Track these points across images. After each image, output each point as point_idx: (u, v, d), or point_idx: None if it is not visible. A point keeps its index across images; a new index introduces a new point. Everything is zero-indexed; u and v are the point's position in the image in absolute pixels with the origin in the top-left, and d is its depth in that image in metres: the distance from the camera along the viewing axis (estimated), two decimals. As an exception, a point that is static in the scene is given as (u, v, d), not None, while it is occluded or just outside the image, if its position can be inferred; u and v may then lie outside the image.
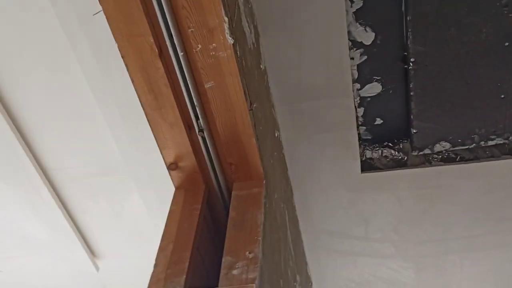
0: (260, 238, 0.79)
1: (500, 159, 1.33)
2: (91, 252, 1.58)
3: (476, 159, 1.36)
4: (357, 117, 1.36)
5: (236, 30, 0.78)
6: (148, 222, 1.42)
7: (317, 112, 1.27)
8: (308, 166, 1.40)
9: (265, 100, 1.10)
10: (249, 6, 1.00)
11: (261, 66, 1.09)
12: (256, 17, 1.07)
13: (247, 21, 0.92)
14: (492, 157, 1.35)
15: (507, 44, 1.12)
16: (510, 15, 1.07)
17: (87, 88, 1.14)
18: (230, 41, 0.73)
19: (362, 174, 1.40)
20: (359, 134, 1.40)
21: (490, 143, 1.32)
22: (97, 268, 1.61)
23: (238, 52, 0.78)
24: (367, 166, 1.41)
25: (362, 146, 1.43)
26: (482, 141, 1.32)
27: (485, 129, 1.29)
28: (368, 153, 1.44)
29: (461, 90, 1.21)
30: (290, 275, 1.14)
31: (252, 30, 0.99)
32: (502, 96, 1.21)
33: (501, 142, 1.32)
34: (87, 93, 1.15)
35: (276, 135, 1.22)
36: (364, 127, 1.39)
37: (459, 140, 1.32)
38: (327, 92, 1.23)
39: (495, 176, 1.36)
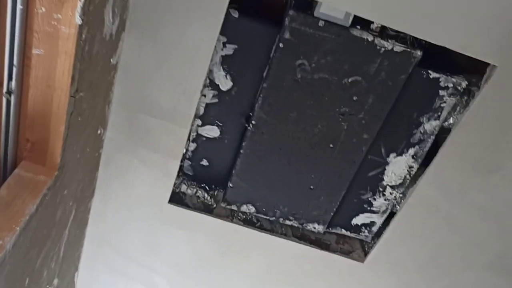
0: (18, 228, 0.72)
1: (289, 239, 1.44)
2: None
3: (271, 231, 1.45)
4: (186, 150, 1.37)
5: (92, 14, 0.74)
6: None
7: (152, 129, 1.25)
8: (121, 175, 1.35)
9: (101, 94, 1.05)
10: (125, -1, 0.96)
11: (112, 60, 1.04)
12: (128, 12, 1.03)
13: (113, 11, 0.88)
14: (284, 235, 1.46)
15: (331, 145, 1.24)
16: (343, 123, 1.20)
17: None
18: (78, 21, 0.69)
19: (169, 204, 1.40)
20: (182, 166, 1.41)
21: (288, 222, 1.43)
22: None
23: (83, 35, 0.73)
24: (177, 198, 1.42)
25: (180, 178, 1.44)
26: (281, 218, 1.42)
27: (288, 209, 1.39)
28: (184, 187, 1.45)
29: (282, 167, 1.30)
30: (45, 276, 1.06)
31: (116, 22, 0.94)
32: (311, 187, 1.33)
33: (296, 225, 1.43)
34: None
35: (99, 132, 1.16)
36: (190, 162, 1.41)
37: (264, 209, 1.40)
38: (169, 115, 1.22)
39: (279, 253, 1.47)
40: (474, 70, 1.13)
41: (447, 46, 1.01)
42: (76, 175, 1.04)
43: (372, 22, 1.06)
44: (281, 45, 1.09)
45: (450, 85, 1.14)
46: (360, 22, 1.06)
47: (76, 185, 1.09)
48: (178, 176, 1.39)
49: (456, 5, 0.96)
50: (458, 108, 1.17)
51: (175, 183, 1.37)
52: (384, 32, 1.08)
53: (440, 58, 1.12)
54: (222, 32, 1.09)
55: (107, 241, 1.51)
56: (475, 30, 0.99)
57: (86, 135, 1.00)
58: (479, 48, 1.01)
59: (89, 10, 0.71)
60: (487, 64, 1.05)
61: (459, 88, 1.14)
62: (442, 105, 1.17)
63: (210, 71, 1.20)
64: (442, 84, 1.14)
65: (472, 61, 1.04)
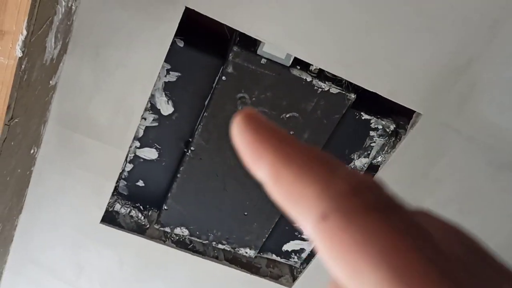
0: None
1: (220, 263, 1.46)
2: None
3: (203, 253, 1.47)
4: (123, 170, 1.36)
5: (33, 44, 0.73)
6: None
7: (87, 149, 1.23)
8: (52, 193, 1.31)
9: (37, 115, 1.02)
10: (69, 23, 0.95)
11: (51, 82, 1.02)
12: (71, 34, 1.02)
13: (56, 37, 0.87)
14: (216, 258, 1.48)
15: (267, 175, 1.28)
16: (279, 155, 1.24)
17: None
18: (19, 53, 0.68)
19: (100, 224, 1.38)
20: (117, 186, 1.39)
21: (220, 246, 1.45)
22: None
23: (23, 66, 0.72)
24: (109, 218, 1.40)
25: (115, 197, 1.42)
26: (214, 241, 1.44)
27: (221, 233, 1.42)
28: (118, 206, 1.43)
29: (217, 193, 1.32)
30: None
31: (59, 46, 0.93)
32: (246, 213, 1.36)
33: (228, 249, 1.46)
34: None
35: (32, 151, 1.13)
36: (125, 182, 1.40)
37: (197, 233, 1.42)
38: (106, 136, 1.21)
39: (210, 276, 1.49)
40: (403, 113, 1.22)
41: (377, 92, 1.09)
42: (4, 196, 1.00)
43: (311, 64, 1.11)
44: (223, 77, 1.12)
45: (380, 127, 1.21)
46: (300, 63, 1.11)
47: (4, 206, 1.05)
48: (112, 195, 1.38)
49: (386, 56, 1.03)
50: (386, 148, 1.25)
51: (109, 202, 1.36)
52: (322, 74, 1.14)
53: (372, 101, 1.19)
54: (166, 60, 1.11)
55: (32, 258, 1.46)
56: (403, 80, 1.07)
57: (18, 157, 0.97)
58: (405, 96, 1.09)
59: (31, 41, 0.70)
60: (413, 110, 1.14)
61: (387, 130, 1.22)
62: (372, 144, 1.25)
63: (152, 96, 1.21)
64: (372, 125, 1.21)
65: (401, 106, 1.12)
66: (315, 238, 0.16)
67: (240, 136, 0.19)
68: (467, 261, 0.16)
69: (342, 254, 0.15)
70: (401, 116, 1.24)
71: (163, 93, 1.21)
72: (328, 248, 0.16)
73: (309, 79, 1.12)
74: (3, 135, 0.77)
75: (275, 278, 1.51)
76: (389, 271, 0.14)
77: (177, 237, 1.46)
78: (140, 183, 1.39)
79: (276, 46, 1.05)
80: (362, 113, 1.20)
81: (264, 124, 0.18)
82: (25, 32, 0.66)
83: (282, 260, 1.51)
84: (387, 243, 0.15)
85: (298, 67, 1.12)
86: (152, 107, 1.23)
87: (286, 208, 0.18)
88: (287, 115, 1.18)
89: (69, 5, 0.85)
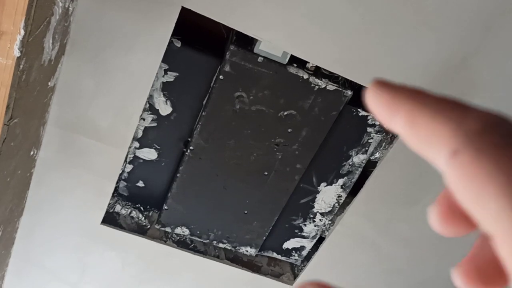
0: None
1: (221, 262, 1.47)
2: None
3: (204, 253, 1.48)
4: (123, 171, 1.36)
5: (31, 44, 0.74)
6: None
7: (87, 150, 1.24)
8: (52, 194, 1.32)
9: (36, 116, 1.03)
10: (66, 24, 0.96)
11: (50, 83, 1.03)
12: (69, 36, 1.03)
13: (54, 38, 0.88)
14: (217, 257, 1.48)
15: (266, 173, 1.29)
16: (277, 153, 1.25)
17: None
18: (17, 53, 0.69)
19: (101, 225, 1.38)
20: (117, 186, 1.40)
21: (221, 245, 1.46)
22: None
23: (21, 66, 0.73)
24: (110, 219, 1.40)
25: (115, 198, 1.43)
26: (215, 240, 1.44)
27: (222, 232, 1.42)
28: (118, 207, 1.44)
29: (217, 192, 1.33)
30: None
31: (56, 47, 0.94)
32: (246, 212, 1.37)
33: (229, 248, 1.47)
34: None
35: (32, 153, 1.14)
36: (125, 183, 1.40)
37: (198, 232, 1.42)
38: (105, 137, 1.22)
39: (211, 275, 1.49)
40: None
41: (375, 89, 1.09)
42: (5, 198, 1.01)
43: (308, 62, 1.12)
44: (221, 77, 1.13)
45: (377, 123, 1.22)
46: (297, 61, 1.12)
47: (5, 207, 1.06)
48: (112, 196, 1.38)
49: (382, 53, 1.04)
50: (383, 144, 1.26)
51: (109, 203, 1.36)
52: (318, 71, 1.14)
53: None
54: (164, 60, 1.11)
55: (34, 260, 1.47)
56: (400, 77, 1.08)
57: (18, 158, 0.98)
58: (403, 93, 1.10)
59: (28, 41, 0.71)
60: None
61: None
62: (369, 140, 1.25)
63: (150, 96, 1.21)
64: (370, 121, 1.22)
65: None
66: (447, 172, 0.18)
67: (375, 98, 0.20)
68: None
69: (470, 183, 0.17)
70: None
71: (161, 93, 1.21)
72: (458, 179, 0.17)
73: (305, 76, 1.13)
74: (2, 135, 0.78)
75: (276, 276, 1.51)
76: (510, 200, 0.16)
77: (178, 237, 1.47)
78: (140, 184, 1.40)
79: (273, 44, 1.06)
80: (359, 109, 1.21)
81: (395, 84, 0.20)
82: (22, 32, 0.67)
83: (283, 258, 1.51)
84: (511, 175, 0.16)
85: (295, 65, 1.13)
86: (151, 108, 1.24)
87: (421, 150, 0.19)
88: (285, 113, 1.19)
89: (66, 6, 0.86)
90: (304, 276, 1.48)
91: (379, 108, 0.20)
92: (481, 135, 0.17)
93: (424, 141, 0.19)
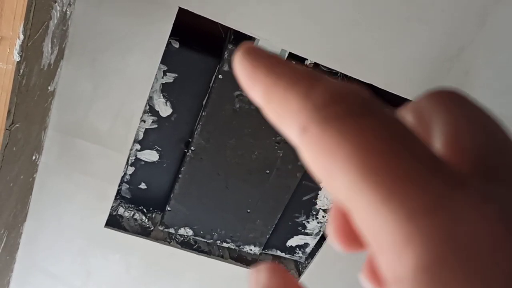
0: None
1: (225, 261, 1.47)
2: None
3: (209, 253, 1.48)
4: (125, 173, 1.37)
5: (30, 49, 0.74)
6: None
7: (88, 154, 1.24)
8: (55, 199, 1.32)
9: (37, 121, 1.03)
10: (64, 28, 0.96)
11: (50, 88, 1.03)
12: (67, 40, 1.03)
13: (52, 42, 0.88)
14: (221, 257, 1.49)
15: (267, 171, 1.29)
16: (278, 151, 1.25)
17: None
18: (17, 58, 0.69)
19: (105, 228, 1.39)
20: (120, 189, 1.40)
21: (225, 244, 1.46)
22: None
23: (21, 70, 0.73)
24: (113, 222, 1.41)
25: (118, 200, 1.43)
26: (219, 240, 1.45)
27: (225, 232, 1.43)
28: (121, 210, 1.45)
29: (219, 192, 1.33)
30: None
31: (55, 52, 0.94)
32: (248, 210, 1.37)
33: (233, 247, 1.47)
34: None
35: (34, 158, 1.14)
36: (128, 185, 1.41)
37: (201, 232, 1.43)
38: (106, 140, 1.22)
39: (216, 275, 1.49)
40: (398, 104, 1.23)
41: (373, 84, 1.10)
42: (8, 203, 1.02)
43: (306, 59, 1.12)
44: (220, 76, 1.13)
45: (377, 118, 1.22)
46: (295, 58, 1.12)
47: (9, 212, 1.06)
48: (115, 199, 1.39)
49: (378, 47, 1.05)
50: (384, 139, 1.26)
51: (112, 206, 1.37)
52: (317, 68, 1.15)
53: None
54: (162, 61, 1.12)
55: (38, 265, 1.47)
56: (397, 71, 1.08)
57: (20, 163, 0.99)
58: (400, 87, 1.10)
59: (28, 46, 0.72)
60: (409, 100, 1.15)
61: (384, 121, 1.23)
62: (369, 136, 1.26)
63: (150, 98, 1.22)
64: (369, 117, 1.22)
65: (396, 96, 1.13)
66: (300, 151, 0.17)
67: (239, 65, 0.19)
68: (481, 155, 0.16)
69: (320, 159, 0.16)
70: (397, 107, 1.25)
71: (161, 94, 1.22)
72: (309, 158, 0.16)
73: (304, 73, 1.13)
74: (4, 140, 0.78)
75: (281, 274, 1.51)
76: (359, 170, 0.15)
77: (182, 238, 1.47)
78: (143, 186, 1.40)
79: (271, 42, 1.06)
80: (358, 105, 1.21)
81: (261, 53, 0.19)
82: (22, 37, 0.67)
83: (287, 256, 1.52)
84: (358, 144, 0.15)
85: (293, 62, 1.13)
86: (151, 109, 1.24)
87: (278, 127, 0.18)
88: (285, 111, 1.19)
89: (64, 10, 0.87)
90: (309, 273, 1.48)
91: (241, 76, 0.19)
92: (327, 107, 0.16)
93: (278, 116, 0.18)
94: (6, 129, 0.77)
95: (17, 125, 0.83)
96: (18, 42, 0.67)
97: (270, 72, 0.18)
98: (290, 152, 1.26)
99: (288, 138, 0.18)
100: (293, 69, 0.18)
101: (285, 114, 0.17)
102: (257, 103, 0.19)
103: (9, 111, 0.75)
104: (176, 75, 1.18)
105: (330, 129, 0.16)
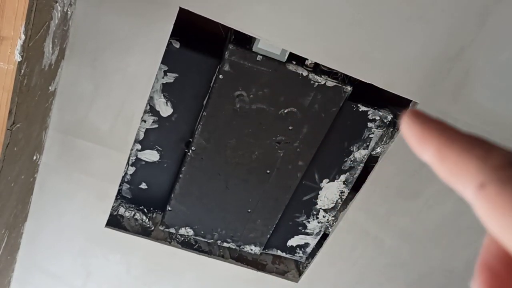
0: None
1: (226, 261, 1.47)
2: None
3: (209, 253, 1.48)
4: (125, 173, 1.37)
5: (31, 49, 0.74)
6: None
7: (89, 154, 1.24)
8: (56, 199, 1.33)
9: (38, 121, 1.03)
10: (65, 28, 0.96)
11: (50, 88, 1.03)
12: (68, 40, 1.03)
13: (53, 42, 0.88)
14: (222, 257, 1.49)
15: (268, 171, 1.29)
16: (279, 151, 1.25)
17: None
18: (18, 58, 0.69)
19: (105, 228, 1.39)
20: (120, 189, 1.40)
21: (225, 244, 1.46)
22: None
23: (22, 70, 0.73)
24: (113, 222, 1.41)
25: (118, 200, 1.43)
26: (219, 240, 1.45)
27: (225, 232, 1.43)
28: (122, 210, 1.45)
29: (220, 192, 1.33)
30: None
31: (56, 52, 0.94)
32: (249, 210, 1.38)
33: (234, 247, 1.47)
34: None
35: (34, 158, 1.14)
36: (128, 185, 1.41)
37: (202, 232, 1.43)
38: (107, 140, 1.22)
39: (217, 275, 1.50)
40: (399, 104, 1.23)
41: (373, 84, 1.10)
42: (9, 203, 1.02)
43: (307, 59, 1.12)
44: (220, 76, 1.13)
45: (377, 118, 1.23)
46: (296, 58, 1.12)
47: (9, 212, 1.06)
48: (116, 199, 1.39)
49: (379, 47, 1.05)
50: (384, 139, 1.26)
51: (113, 206, 1.37)
52: (317, 68, 1.15)
53: (368, 93, 1.20)
54: (163, 61, 1.12)
55: (39, 265, 1.47)
56: (398, 71, 1.08)
57: (21, 163, 0.99)
58: (401, 86, 1.11)
59: (29, 46, 0.72)
60: (410, 100, 1.15)
61: (385, 120, 1.23)
62: (370, 135, 1.26)
63: (151, 98, 1.22)
64: (370, 116, 1.22)
65: (397, 96, 1.13)
66: (475, 204, 0.20)
67: (408, 129, 0.23)
68: None
69: (497, 213, 0.19)
70: (397, 107, 1.25)
71: (162, 94, 1.22)
72: (486, 209, 0.19)
73: (305, 73, 1.13)
74: (5, 140, 0.78)
75: (281, 274, 1.52)
76: None
77: (182, 238, 1.47)
78: (143, 186, 1.40)
79: (271, 42, 1.07)
80: (359, 105, 1.21)
81: (427, 118, 0.23)
82: (23, 37, 0.67)
83: (288, 256, 1.52)
84: None
85: (294, 62, 1.13)
86: (152, 109, 1.24)
87: (449, 182, 0.21)
88: (285, 111, 1.19)
89: (65, 10, 0.87)
90: (309, 272, 1.48)
91: (411, 137, 0.23)
92: (505, 169, 0.19)
93: (452, 174, 0.21)
94: (8, 129, 0.77)
95: (18, 125, 0.83)
96: (20, 42, 0.68)
97: (442, 135, 0.22)
98: (290, 152, 1.26)
99: (460, 192, 0.21)
100: (462, 134, 0.21)
101: (460, 173, 0.20)
102: (426, 160, 0.22)
103: (10, 111, 0.75)
104: (177, 75, 1.19)
105: (508, 188, 0.18)
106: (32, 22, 0.69)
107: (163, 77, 1.19)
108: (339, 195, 1.37)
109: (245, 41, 1.11)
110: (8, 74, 0.70)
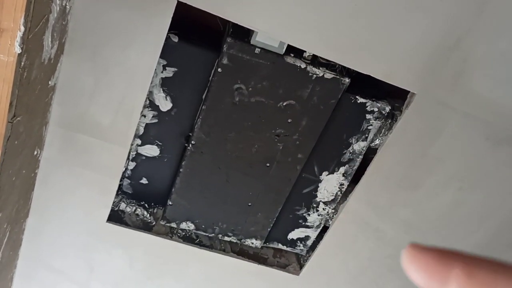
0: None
1: (227, 255, 1.48)
2: None
3: (211, 247, 1.49)
4: (126, 169, 1.37)
5: (31, 41, 0.75)
6: None
7: (90, 148, 1.25)
8: (57, 194, 1.33)
9: (38, 115, 1.04)
10: (64, 23, 0.97)
11: (50, 82, 1.04)
12: (67, 35, 1.04)
13: (52, 36, 0.89)
14: (223, 250, 1.49)
15: (268, 164, 1.30)
16: (278, 144, 1.26)
17: None
18: (18, 50, 0.70)
19: (107, 223, 1.40)
20: (121, 184, 1.41)
21: (226, 238, 1.47)
22: None
23: (22, 62, 0.74)
24: (115, 217, 1.42)
25: (119, 196, 1.44)
26: (220, 234, 1.46)
27: (226, 226, 1.43)
28: (123, 205, 1.45)
29: (220, 185, 1.34)
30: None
31: (55, 46, 0.95)
32: (249, 204, 1.38)
33: (235, 241, 1.48)
34: None
35: (35, 153, 1.15)
36: (129, 181, 1.41)
37: (203, 226, 1.44)
38: (107, 135, 1.23)
39: (218, 268, 1.50)
40: (397, 95, 1.23)
41: (372, 75, 1.10)
42: (11, 197, 1.02)
43: (305, 51, 1.13)
44: (219, 69, 1.14)
45: (376, 109, 1.23)
46: (294, 50, 1.13)
47: (11, 207, 1.07)
48: (117, 194, 1.40)
49: (377, 38, 1.05)
50: (383, 131, 1.27)
51: (114, 202, 1.38)
52: (315, 60, 1.15)
53: (366, 84, 1.21)
54: (162, 56, 1.12)
55: (41, 261, 1.48)
56: (396, 61, 1.08)
57: (22, 157, 0.99)
58: (400, 77, 1.11)
59: (28, 38, 0.72)
60: (408, 91, 1.16)
61: (383, 112, 1.24)
62: (369, 127, 1.26)
63: (150, 92, 1.22)
64: (368, 108, 1.23)
65: (395, 87, 1.13)
66: None
67: (416, 262, 0.22)
68: None
69: None
70: (396, 98, 1.25)
71: (161, 89, 1.22)
72: None
73: (303, 66, 1.14)
74: (7, 133, 0.79)
75: (283, 267, 1.52)
76: None
77: (184, 232, 1.48)
78: (144, 181, 1.41)
79: (269, 34, 1.07)
80: (357, 97, 1.21)
81: (431, 248, 0.23)
82: (22, 28, 0.68)
83: (288, 249, 1.53)
84: None
85: (292, 55, 1.14)
86: (151, 104, 1.25)
87: None
88: (284, 103, 1.20)
89: (64, 4, 0.87)
90: (310, 265, 1.49)
91: (421, 270, 0.22)
92: None
93: None
94: (9, 122, 0.78)
95: (19, 118, 0.83)
96: (19, 34, 0.68)
97: (465, 264, 0.21)
98: (289, 145, 1.27)
99: None
100: (488, 261, 0.22)
101: None
102: None
103: (11, 104, 0.76)
104: (176, 69, 1.19)
105: None
106: (31, 14, 0.69)
107: (162, 72, 1.19)
108: (339, 188, 1.38)
109: (244, 34, 1.11)
110: (9, 66, 0.71)
